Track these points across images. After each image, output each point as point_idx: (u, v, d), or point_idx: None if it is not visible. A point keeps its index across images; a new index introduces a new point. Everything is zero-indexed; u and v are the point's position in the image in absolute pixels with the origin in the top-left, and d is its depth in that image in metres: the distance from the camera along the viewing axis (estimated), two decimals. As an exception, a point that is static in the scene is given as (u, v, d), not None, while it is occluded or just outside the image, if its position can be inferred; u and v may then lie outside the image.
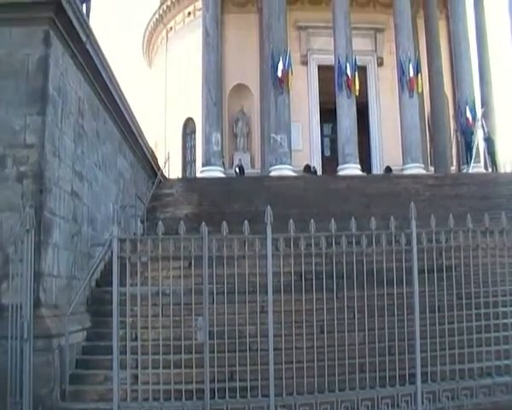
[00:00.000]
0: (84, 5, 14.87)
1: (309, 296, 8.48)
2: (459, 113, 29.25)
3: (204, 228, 8.16)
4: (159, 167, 21.40)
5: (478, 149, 27.79)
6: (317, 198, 19.32)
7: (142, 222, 15.69)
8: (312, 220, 8.43)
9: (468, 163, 28.68)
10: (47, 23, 9.24)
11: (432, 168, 31.66)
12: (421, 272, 8.51)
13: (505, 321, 9.29)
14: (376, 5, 34.28)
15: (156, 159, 21.34)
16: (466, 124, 28.52)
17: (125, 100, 14.46)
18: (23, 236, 7.93)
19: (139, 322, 8.15)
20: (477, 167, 27.13)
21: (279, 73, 26.56)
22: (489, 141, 28.83)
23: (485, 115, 29.59)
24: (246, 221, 8.27)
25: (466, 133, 28.72)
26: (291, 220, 8.28)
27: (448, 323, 8.60)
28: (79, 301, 10.38)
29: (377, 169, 31.55)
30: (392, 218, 8.52)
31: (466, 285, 8.74)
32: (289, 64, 26.95)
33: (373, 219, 8.42)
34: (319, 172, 30.55)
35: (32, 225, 7.94)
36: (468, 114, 28.14)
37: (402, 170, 27.15)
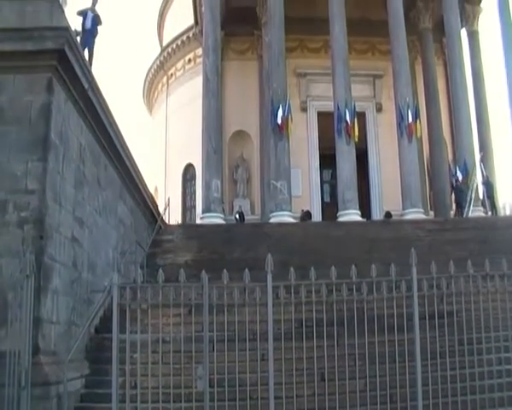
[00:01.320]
0: (87, 51, 15.09)
1: (310, 344, 8.43)
2: (456, 168, 29.44)
3: (204, 276, 8.14)
4: (159, 213, 21.41)
5: (477, 192, 27.83)
6: (317, 245, 19.29)
7: (142, 268, 15.61)
8: (313, 268, 8.41)
9: (462, 207, 28.81)
10: (50, 70, 9.35)
11: (432, 213, 31.75)
12: (422, 318, 8.46)
13: (508, 367, 9.20)
14: (375, 52, 34.77)
15: (156, 205, 21.38)
16: (456, 181, 28.76)
17: (126, 146, 14.54)
18: (23, 281, 7.91)
19: (139, 369, 8.08)
20: (476, 211, 27.12)
21: (279, 120, 26.68)
22: (488, 184, 28.95)
23: (484, 158, 29.74)
24: (246, 269, 8.25)
25: (456, 190, 28.85)
26: (291, 268, 8.27)
27: (450, 369, 8.54)
28: (78, 348, 10.29)
29: (377, 214, 31.62)
30: (392, 265, 8.50)
31: (468, 331, 8.69)
32: (289, 111, 27.10)
33: (373, 266, 8.40)
34: (319, 219, 30.63)
35: (32, 270, 7.93)
36: (459, 174, 28.26)
37: (402, 215, 27.15)
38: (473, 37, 34.62)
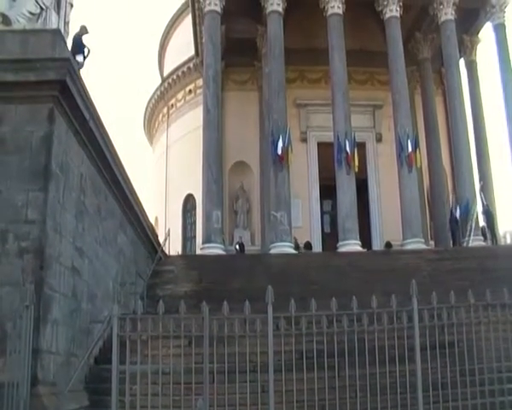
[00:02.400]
0: (81, 57, 14.86)
1: (310, 375, 8.38)
2: (455, 199, 29.65)
3: (205, 308, 8.11)
4: (159, 244, 21.40)
5: (477, 221, 27.83)
6: (317, 275, 19.28)
7: (142, 299, 15.61)
8: (313, 299, 8.39)
9: (455, 237, 28.88)
10: (51, 101, 9.40)
11: (432, 242, 31.74)
12: (423, 348, 8.42)
13: (511, 398, 9.13)
14: (374, 82, 35.01)
15: (156, 235, 21.38)
16: (451, 212, 28.98)
17: (127, 177, 14.57)
18: (22, 311, 7.88)
19: (138, 401, 8.01)
20: (477, 240, 27.08)
21: (279, 151, 26.70)
22: (488, 214, 28.98)
23: (484, 188, 29.81)
24: (246, 300, 8.23)
25: (451, 221, 28.96)
26: (292, 300, 8.25)
27: (452, 400, 8.46)
28: (78, 379, 10.23)
29: (377, 244, 31.60)
30: (393, 295, 8.48)
31: (469, 361, 8.65)
32: (289, 141, 27.15)
33: (374, 297, 8.38)
34: (319, 249, 30.65)
35: (32, 301, 7.91)
36: (457, 206, 28.44)
37: (402, 245, 27.12)
38: (471, 67, 34.93)
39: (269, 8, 29.25)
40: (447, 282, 16.10)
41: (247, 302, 8.19)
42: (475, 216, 27.65)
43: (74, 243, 10.54)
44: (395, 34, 29.96)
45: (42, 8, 10.60)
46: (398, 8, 29.96)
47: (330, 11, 29.44)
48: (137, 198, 16.43)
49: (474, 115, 33.31)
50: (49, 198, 9.16)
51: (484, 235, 28.12)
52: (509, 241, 30.05)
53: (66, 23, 11.32)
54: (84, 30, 16.02)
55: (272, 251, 25.83)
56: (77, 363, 10.46)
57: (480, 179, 30.81)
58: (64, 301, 9.90)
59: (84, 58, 15.68)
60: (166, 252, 24.24)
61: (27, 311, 7.87)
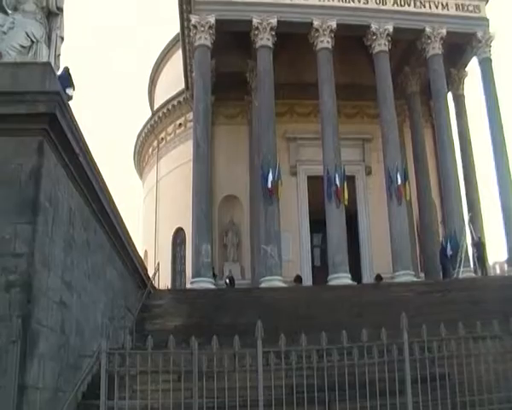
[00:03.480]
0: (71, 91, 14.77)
1: (301, 410, 8.30)
2: (444, 238, 29.84)
3: (194, 343, 8.05)
4: (148, 277, 21.29)
5: (467, 253, 27.86)
6: (308, 309, 19.20)
7: (131, 333, 15.47)
8: (303, 333, 8.35)
9: (445, 269, 28.93)
10: (41, 134, 9.37)
11: (422, 274, 31.79)
12: (414, 382, 8.37)
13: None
14: (364, 116, 35.30)
15: (146, 269, 21.27)
16: (441, 245, 29.14)
17: (116, 210, 14.52)
18: (8, 346, 7.77)
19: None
20: (467, 272, 27.09)
21: (269, 184, 26.71)
22: (479, 245, 29.05)
23: (473, 219, 29.90)
24: (236, 335, 8.18)
25: (441, 255, 29.06)
26: (282, 334, 8.21)
27: (444, 434, 8.40)
28: (65, 415, 10.07)
29: (368, 277, 31.61)
30: (383, 329, 8.45)
31: (461, 394, 8.59)
32: (279, 175, 27.20)
33: (364, 331, 8.35)
34: (310, 283, 30.58)
35: (19, 335, 7.81)
36: (446, 239, 28.58)
37: (392, 278, 27.13)
38: (459, 100, 35.28)
39: (259, 43, 29.51)
40: (437, 314, 16.08)
41: (236, 337, 8.15)
42: (465, 248, 27.70)
43: (63, 277, 10.45)
44: (384, 68, 30.29)
45: (33, 42, 10.62)
46: (387, 43, 30.36)
47: (320, 45, 29.77)
48: (127, 231, 16.36)
49: (462, 148, 33.60)
50: (38, 231, 9.09)
51: (475, 266, 28.15)
52: (498, 271, 30.10)
53: (57, 56, 11.33)
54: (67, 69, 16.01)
55: (262, 285, 25.74)
56: (64, 398, 10.31)
57: (469, 211, 30.94)
58: (52, 335, 9.78)
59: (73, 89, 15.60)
60: (156, 286, 24.11)
61: (14, 346, 7.76)
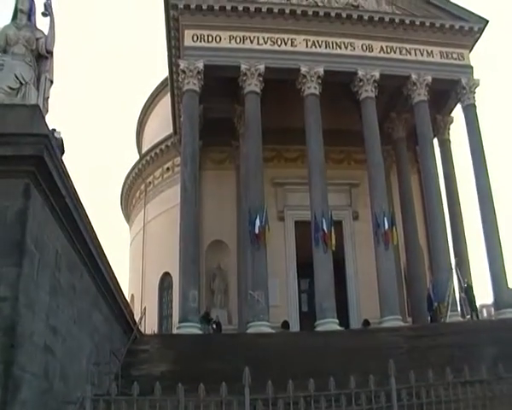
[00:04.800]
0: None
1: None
2: (431, 283, 29.94)
3: (180, 390, 7.95)
4: (135, 322, 21.09)
5: (454, 297, 27.84)
6: (295, 355, 19.07)
7: (117, 379, 15.27)
8: (290, 380, 8.26)
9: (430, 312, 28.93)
10: (28, 176, 9.31)
11: (410, 319, 31.71)
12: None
13: None
14: (351, 161, 35.62)
15: (132, 313, 21.08)
16: (428, 290, 29.24)
17: (103, 254, 14.43)
18: (-10, 392, 7.62)
19: None
20: (454, 316, 27.03)
21: (256, 230, 26.68)
22: (468, 290, 29.06)
23: (460, 263, 29.94)
24: (223, 382, 8.08)
25: (428, 299, 29.10)
26: (269, 381, 8.12)
27: None
28: None
29: (355, 322, 31.53)
30: (371, 375, 8.39)
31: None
32: (266, 220, 27.17)
33: (352, 377, 8.28)
34: (297, 328, 30.40)
35: (1, 381, 7.65)
36: (434, 295, 28.66)
37: (380, 323, 27.02)
38: (444, 145, 35.64)
39: (246, 89, 29.78)
40: (425, 359, 16.06)
41: (223, 384, 8.05)
42: (452, 292, 27.71)
43: (47, 321, 10.32)
44: (371, 114, 30.65)
45: (21, 84, 10.65)
46: (374, 89, 30.79)
47: (307, 91, 30.10)
48: (113, 275, 16.23)
49: (448, 192, 33.86)
50: (23, 274, 8.97)
51: (462, 311, 28.11)
52: (485, 315, 30.09)
53: (46, 99, 11.36)
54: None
55: (249, 330, 25.57)
56: (47, 446, 10.11)
57: (456, 255, 31.01)
58: (35, 381, 9.61)
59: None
60: (142, 330, 23.91)
61: (-4, 391, 7.61)
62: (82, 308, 12.97)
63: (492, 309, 30.55)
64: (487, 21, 33.05)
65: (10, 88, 10.51)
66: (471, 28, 32.90)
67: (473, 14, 33.12)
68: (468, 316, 28.02)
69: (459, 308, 27.96)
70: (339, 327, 26.26)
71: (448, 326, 25.38)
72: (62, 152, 14.03)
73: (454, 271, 28.69)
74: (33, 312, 9.49)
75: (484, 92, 60.53)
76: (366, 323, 28.96)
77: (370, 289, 29.43)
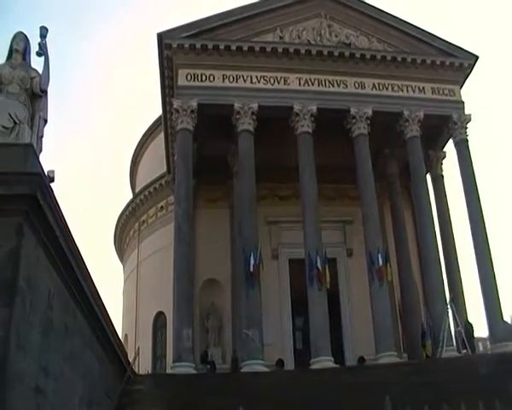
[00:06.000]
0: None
1: None
2: (426, 318, 29.88)
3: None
4: (128, 362, 20.93)
5: (449, 332, 27.71)
6: (290, 394, 18.97)
7: (110, 420, 15.11)
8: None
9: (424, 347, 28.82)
10: (21, 215, 9.26)
11: (405, 355, 31.55)
12: None
13: None
14: (344, 198, 35.64)
15: (126, 353, 20.94)
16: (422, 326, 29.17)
17: (96, 293, 14.35)
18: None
19: None
20: (450, 351, 26.86)
21: (250, 268, 26.59)
22: (466, 326, 28.98)
23: (454, 298, 29.86)
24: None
25: (423, 335, 29.01)
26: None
27: None
28: None
29: (350, 358, 31.40)
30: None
31: None
32: (260, 259, 27.07)
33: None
34: (292, 366, 30.18)
35: (-10, 424, 7.53)
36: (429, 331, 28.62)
37: (375, 359, 26.89)
38: (437, 180, 35.81)
39: (240, 128, 29.93)
40: (422, 395, 15.91)
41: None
42: (447, 327, 27.61)
43: (39, 362, 10.19)
44: (364, 151, 30.83)
45: (15, 123, 10.67)
46: (366, 126, 31.02)
47: (300, 130, 30.28)
48: (107, 315, 16.13)
49: (441, 228, 33.96)
50: (15, 314, 8.87)
51: (458, 345, 27.94)
52: (481, 348, 29.94)
53: (40, 138, 11.37)
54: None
55: (244, 369, 25.38)
56: None
57: (451, 290, 30.94)
58: (26, 423, 9.48)
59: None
60: (136, 370, 23.72)
61: (-15, 435, 7.49)
62: (75, 348, 12.85)
63: (488, 343, 30.39)
64: (477, 57, 33.52)
65: (4, 127, 10.53)
66: (461, 64, 33.34)
67: (463, 50, 33.59)
68: (464, 351, 27.85)
69: (454, 343, 27.81)
70: (334, 364, 26.08)
71: (444, 362, 25.29)
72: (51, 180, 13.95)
73: (449, 306, 28.62)
74: (25, 352, 9.39)
75: (477, 125, 60.90)
76: (361, 359, 28.79)
77: (365, 325, 29.35)
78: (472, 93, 68.39)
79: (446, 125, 32.86)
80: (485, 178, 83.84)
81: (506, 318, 28.97)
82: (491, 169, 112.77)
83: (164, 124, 35.15)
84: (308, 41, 32.28)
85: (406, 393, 17.23)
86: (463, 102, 33.23)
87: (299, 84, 31.30)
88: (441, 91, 33.04)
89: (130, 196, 46.42)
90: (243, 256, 27.24)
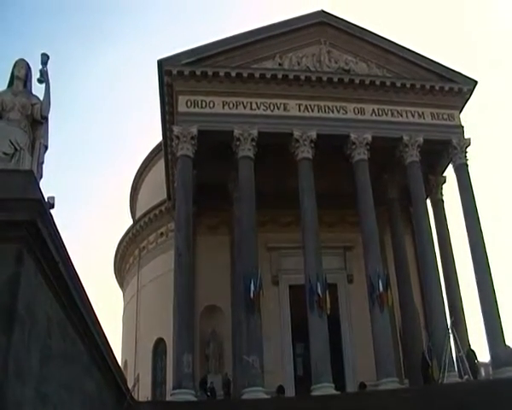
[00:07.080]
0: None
1: None
2: (427, 344, 29.75)
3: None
4: (128, 389, 20.80)
5: (451, 357, 27.50)
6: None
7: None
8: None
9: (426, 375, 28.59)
10: (20, 242, 9.25)
11: (406, 381, 31.26)
12: None
13: None
14: (345, 224, 35.57)
15: (125, 380, 20.82)
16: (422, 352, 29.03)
17: (96, 320, 14.30)
18: None
19: None
20: (452, 376, 26.66)
21: (250, 295, 26.49)
22: (469, 354, 28.77)
23: (455, 323, 29.69)
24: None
25: (424, 361, 28.81)
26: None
27: None
28: None
29: (351, 384, 31.20)
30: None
31: None
32: (260, 285, 26.96)
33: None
34: (292, 393, 29.95)
35: (-11, 453, 7.47)
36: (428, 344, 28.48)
37: (376, 385, 26.65)
38: (437, 205, 35.80)
39: (240, 154, 29.99)
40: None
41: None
42: (449, 352, 27.44)
43: (38, 389, 10.13)
44: (364, 176, 30.86)
45: (16, 149, 10.72)
46: (366, 152, 31.08)
47: (300, 156, 30.34)
48: (106, 342, 16.06)
49: (442, 253, 33.88)
50: (13, 341, 8.84)
51: (460, 371, 27.71)
52: (483, 374, 29.67)
53: (40, 164, 11.42)
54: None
55: (244, 396, 25.18)
56: None
57: (451, 315, 30.77)
58: (25, 451, 9.39)
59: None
60: (135, 397, 23.54)
61: None
62: (74, 375, 12.78)
63: (490, 368, 30.16)
64: (476, 82, 33.72)
65: (5, 153, 10.58)
66: (460, 89, 33.51)
67: (462, 75, 33.79)
68: (466, 376, 27.62)
69: (456, 368, 27.62)
70: (335, 391, 25.88)
71: (446, 388, 25.11)
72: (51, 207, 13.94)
73: (450, 331, 28.48)
74: (23, 379, 9.34)
75: (477, 149, 61.07)
76: (362, 386, 28.57)
77: (366, 351, 29.17)
78: (471, 117, 68.41)
79: (446, 149, 32.97)
80: (486, 201, 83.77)
81: (509, 342, 28.72)
82: (492, 193, 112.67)
83: (164, 150, 35.24)
84: (308, 67, 32.46)
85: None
86: (463, 127, 33.36)
87: (299, 111, 31.43)
88: (440, 116, 33.17)
89: (130, 222, 46.40)
90: (243, 282, 27.14)
